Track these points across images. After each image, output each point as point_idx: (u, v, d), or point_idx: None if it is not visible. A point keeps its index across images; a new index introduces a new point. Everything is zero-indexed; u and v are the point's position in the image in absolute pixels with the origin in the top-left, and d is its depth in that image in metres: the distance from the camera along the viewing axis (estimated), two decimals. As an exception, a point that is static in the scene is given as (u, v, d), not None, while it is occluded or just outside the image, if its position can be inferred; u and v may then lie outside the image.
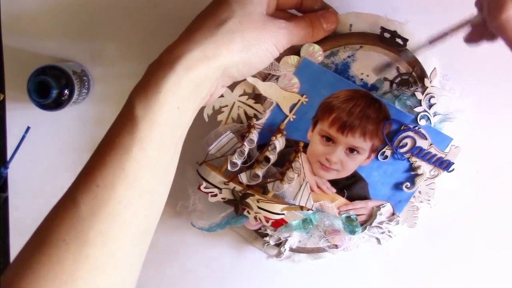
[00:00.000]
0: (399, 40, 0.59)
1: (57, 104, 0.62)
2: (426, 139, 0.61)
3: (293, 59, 0.59)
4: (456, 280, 0.72)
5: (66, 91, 0.62)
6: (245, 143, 0.59)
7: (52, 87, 0.60)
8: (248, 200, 0.60)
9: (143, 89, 0.46)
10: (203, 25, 0.51)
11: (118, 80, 0.67)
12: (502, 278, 0.71)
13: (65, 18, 0.66)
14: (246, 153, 0.60)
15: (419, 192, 0.64)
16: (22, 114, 0.68)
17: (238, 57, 0.50)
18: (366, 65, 0.60)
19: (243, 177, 0.60)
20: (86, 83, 0.65)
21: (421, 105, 0.60)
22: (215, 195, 0.61)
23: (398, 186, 0.63)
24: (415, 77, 0.60)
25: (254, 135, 0.60)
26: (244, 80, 0.59)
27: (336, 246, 0.67)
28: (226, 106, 0.61)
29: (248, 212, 0.61)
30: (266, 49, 0.52)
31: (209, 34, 0.49)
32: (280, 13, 0.57)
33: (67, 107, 0.63)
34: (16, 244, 0.71)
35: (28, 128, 0.67)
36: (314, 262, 0.69)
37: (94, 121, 0.68)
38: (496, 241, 0.70)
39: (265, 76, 0.60)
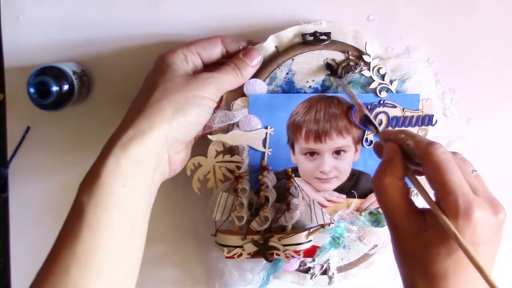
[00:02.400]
0: (322, 37, 0.61)
1: (57, 104, 0.62)
2: (396, 107, 0.62)
3: (241, 101, 0.62)
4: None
5: (66, 91, 0.61)
6: (239, 194, 0.61)
7: (52, 87, 0.60)
8: (271, 243, 0.61)
9: (87, 177, 0.50)
10: (135, 106, 0.55)
11: (118, 80, 0.67)
12: (502, 279, 0.67)
13: (65, 18, 0.66)
14: (245, 203, 0.61)
15: (421, 156, 0.63)
16: (22, 114, 0.67)
17: (174, 121, 0.53)
18: (307, 72, 0.62)
19: (255, 224, 0.61)
20: (86, 83, 0.65)
21: (374, 81, 0.61)
22: (240, 255, 0.62)
23: (398, 162, 0.63)
24: (354, 59, 0.62)
25: (245, 184, 0.61)
26: (211, 141, 0.62)
27: (376, 246, 0.66)
28: (209, 172, 0.63)
29: (278, 254, 0.62)
30: (197, 103, 0.54)
31: (140, 110, 0.53)
32: (210, 67, 0.59)
33: (67, 107, 0.63)
34: (16, 244, 0.69)
35: (28, 128, 0.67)
36: (369, 270, 0.68)
37: (94, 121, 0.67)
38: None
39: (226, 129, 0.62)
